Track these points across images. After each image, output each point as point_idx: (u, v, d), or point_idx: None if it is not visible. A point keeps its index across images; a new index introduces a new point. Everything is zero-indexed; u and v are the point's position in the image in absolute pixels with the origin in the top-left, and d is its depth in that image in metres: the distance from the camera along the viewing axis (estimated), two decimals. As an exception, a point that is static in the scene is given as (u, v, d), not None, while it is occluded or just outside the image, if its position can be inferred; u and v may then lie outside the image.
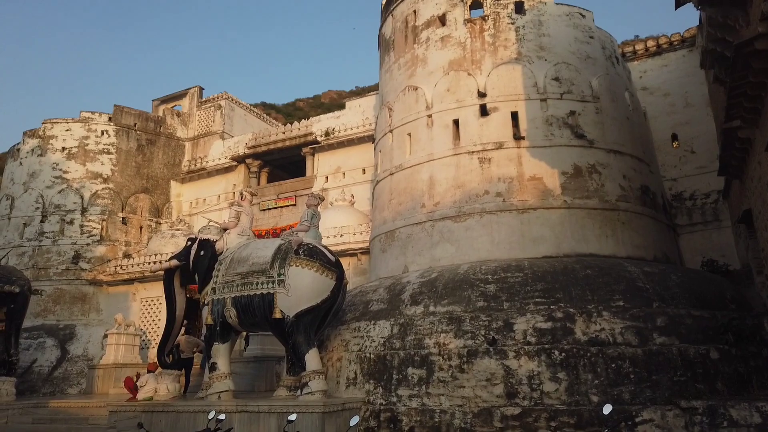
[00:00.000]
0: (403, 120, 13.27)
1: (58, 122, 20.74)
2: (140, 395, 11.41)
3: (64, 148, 20.45)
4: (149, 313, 18.65)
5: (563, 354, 8.53)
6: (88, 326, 18.67)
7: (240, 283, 10.36)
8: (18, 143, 20.97)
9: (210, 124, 23.42)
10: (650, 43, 15.81)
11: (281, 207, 20.21)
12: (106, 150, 20.81)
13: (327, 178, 19.61)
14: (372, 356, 9.96)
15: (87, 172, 20.35)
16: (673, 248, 12.63)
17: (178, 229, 19.99)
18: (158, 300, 18.59)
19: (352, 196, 17.90)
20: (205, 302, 10.92)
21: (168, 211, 22.02)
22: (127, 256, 19.93)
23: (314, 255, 10.22)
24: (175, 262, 11.71)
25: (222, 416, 7.65)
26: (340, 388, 10.16)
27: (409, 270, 11.93)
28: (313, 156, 20.08)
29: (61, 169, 20.19)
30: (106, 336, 16.94)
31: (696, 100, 14.79)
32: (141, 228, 21.02)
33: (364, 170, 18.90)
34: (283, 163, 21.50)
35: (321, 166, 19.83)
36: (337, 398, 9.65)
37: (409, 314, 10.15)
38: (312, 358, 9.72)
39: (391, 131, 13.65)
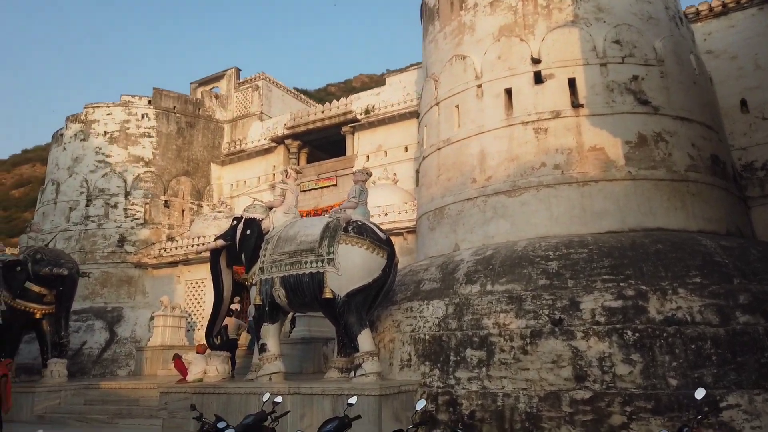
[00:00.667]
0: (450, 91, 12.66)
1: (99, 106, 20.80)
2: (190, 377, 11.29)
3: (105, 132, 20.51)
4: (194, 295, 18.66)
5: (637, 334, 7.92)
6: (134, 309, 18.82)
7: (288, 263, 10.05)
8: (61, 129, 21.16)
9: (248, 105, 23.19)
10: (715, 3, 14.70)
11: (321, 188, 19.88)
12: (146, 134, 20.80)
13: (368, 157, 19.15)
14: (427, 337, 9.53)
15: (129, 156, 20.40)
16: (745, 221, 11.77)
17: (220, 212, 19.88)
18: (202, 282, 18.59)
19: (395, 174, 17.39)
20: (253, 282, 10.66)
21: (209, 193, 21.96)
22: (170, 239, 19.96)
23: (364, 232, 9.82)
24: (221, 242, 11.48)
25: (278, 399, 7.34)
26: (393, 369, 9.78)
27: (461, 248, 11.41)
28: (353, 135, 19.62)
29: (103, 153, 20.28)
30: (152, 318, 17.01)
31: (767, 62, 13.70)
32: (183, 211, 21.02)
33: (406, 148, 18.36)
34: (323, 143, 21.12)
35: (361, 144, 19.37)
36: (392, 380, 9.28)
37: (465, 293, 9.66)
38: (365, 339, 9.36)
39: (437, 104, 13.06)
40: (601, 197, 10.43)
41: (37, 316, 14.36)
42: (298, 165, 20.98)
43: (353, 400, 6.50)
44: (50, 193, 20.35)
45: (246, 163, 22.04)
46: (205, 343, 11.80)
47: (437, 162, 12.83)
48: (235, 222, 11.56)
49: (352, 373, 9.25)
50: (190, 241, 18.95)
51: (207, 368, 11.22)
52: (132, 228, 19.72)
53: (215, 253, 11.63)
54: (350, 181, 19.99)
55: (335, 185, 19.84)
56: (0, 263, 15.67)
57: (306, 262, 9.83)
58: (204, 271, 18.26)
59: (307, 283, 9.76)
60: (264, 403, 7.79)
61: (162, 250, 19.45)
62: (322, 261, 9.65)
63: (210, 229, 19.14)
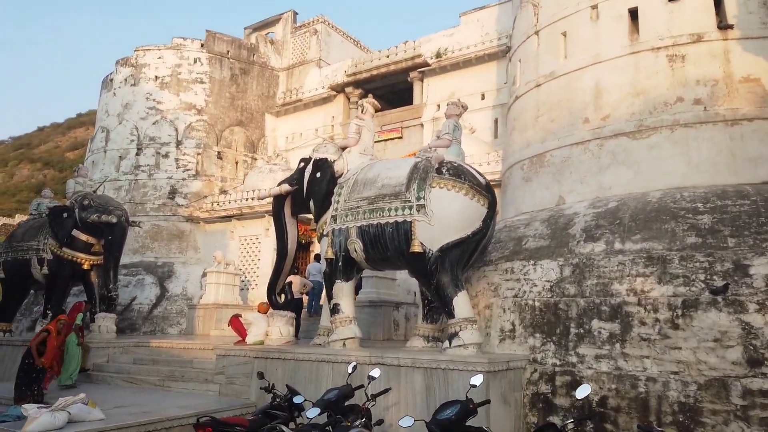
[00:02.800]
0: (555, 16, 10.61)
1: (150, 49, 19.52)
2: (249, 338, 9.97)
3: (156, 77, 19.26)
4: (248, 252, 17.45)
5: (837, 309, 6.00)
6: (186, 264, 17.77)
7: (367, 210, 8.45)
8: (111, 73, 20.03)
9: (305, 51, 21.52)
10: None
11: (385, 140, 18.16)
12: (199, 79, 19.44)
13: (438, 106, 17.25)
14: (536, 304, 7.81)
15: (181, 103, 19.12)
16: None
17: (275, 164, 18.48)
18: (257, 238, 17.33)
19: (470, 124, 15.48)
20: (323, 233, 9.13)
21: (263, 146, 20.58)
22: (223, 192, 18.74)
23: (462, 175, 8.10)
24: (286, 187, 9.98)
25: (375, 373, 5.82)
26: (491, 341, 8.15)
27: (566, 201, 9.55)
28: (422, 81, 17.74)
29: (154, 100, 19.07)
30: (205, 275, 15.88)
31: None
32: (236, 163, 19.73)
33: (483, 95, 16.38)
34: (386, 92, 19.31)
35: (431, 92, 17.48)
36: (497, 354, 7.64)
37: (585, 252, 7.86)
38: (462, 303, 7.73)
39: (536, 33, 11.04)
40: (756, 139, 8.35)
41: (85, 267, 13.33)
42: (359, 116, 19.26)
43: (477, 380, 4.88)
44: (99, 140, 19.35)
45: (302, 114, 20.48)
46: (266, 301, 10.44)
47: (536, 101, 10.89)
48: (302, 164, 10.02)
49: (446, 342, 7.66)
50: (244, 194, 17.65)
51: (269, 330, 9.86)
52: (183, 179, 18.55)
53: (279, 201, 10.16)
54: (417, 132, 18.24)
55: (400, 137, 18.09)
56: (45, 210, 14.76)
57: (389, 210, 8.22)
58: (259, 227, 17.00)
59: (391, 234, 8.16)
60: (349, 374, 6.30)
61: (215, 204, 18.25)
62: (410, 208, 8.00)
63: (265, 182, 17.73)
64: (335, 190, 9.21)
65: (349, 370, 6.18)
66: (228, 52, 20.27)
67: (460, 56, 16.77)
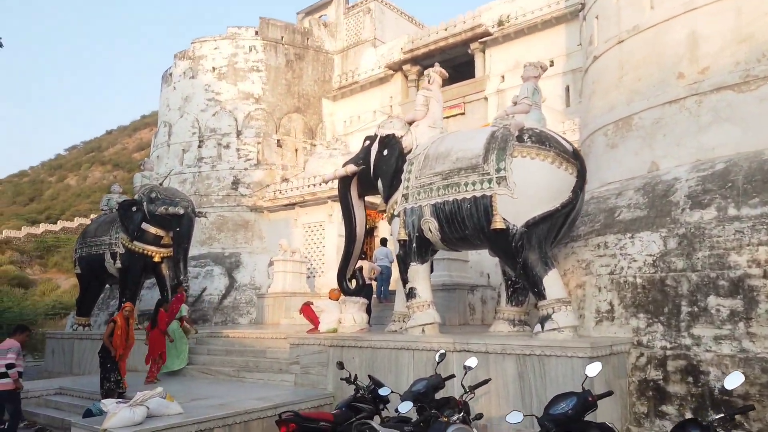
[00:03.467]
0: (638, -37, 9.56)
1: (206, 40, 19.51)
2: (322, 326, 9.62)
3: (214, 68, 19.23)
4: (312, 239, 17.23)
5: None
6: (252, 254, 17.75)
7: (441, 186, 7.86)
8: (170, 67, 20.18)
9: (359, 31, 20.97)
10: None
11: (447, 117, 17.37)
12: (255, 68, 19.28)
13: (503, 77, 16.36)
14: (638, 281, 7.01)
15: (238, 93, 19.03)
16: None
17: (335, 149, 18.11)
18: (320, 225, 17.06)
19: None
20: (395, 213, 8.61)
21: (322, 131, 20.27)
22: (284, 180, 18.57)
23: (546, 141, 7.36)
24: (351, 167, 9.51)
25: (472, 362, 5.26)
26: (585, 323, 7.41)
27: (661, 166, 8.59)
28: (484, 52, 16.86)
29: (213, 91, 19.06)
30: (271, 264, 15.73)
31: None
32: (296, 150, 19.52)
33: (551, 62, 15.33)
34: (446, 67, 18.15)
35: (494, 63, 16.58)
36: (596, 338, 6.92)
37: (692, 221, 6.97)
38: (553, 283, 7.04)
39: (616, -15, 10.01)
40: None
41: (156, 259, 13.41)
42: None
43: (594, 369, 4.22)
44: (163, 135, 19.57)
45: (359, 97, 20.00)
46: (337, 287, 10.06)
47: (618, 60, 9.91)
48: (367, 142, 9.52)
49: (537, 326, 6.99)
50: (306, 181, 17.40)
51: (341, 317, 9.48)
52: (245, 169, 18.50)
53: (344, 183, 9.72)
54: (481, 107, 17.40)
55: (463, 113, 17.32)
56: (115, 205, 14.96)
57: (466, 184, 7.59)
58: (322, 213, 16.72)
59: (469, 211, 7.53)
60: (438, 363, 5.77)
61: (277, 192, 18.10)
62: (490, 181, 7.34)
63: (326, 167, 17.40)
64: (404, 167, 8.67)
65: (437, 358, 5.64)
66: (282, 38, 20.00)
67: (524, 22, 15.77)
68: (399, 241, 8.44)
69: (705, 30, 8.49)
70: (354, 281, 9.67)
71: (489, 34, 16.44)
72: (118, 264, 13.33)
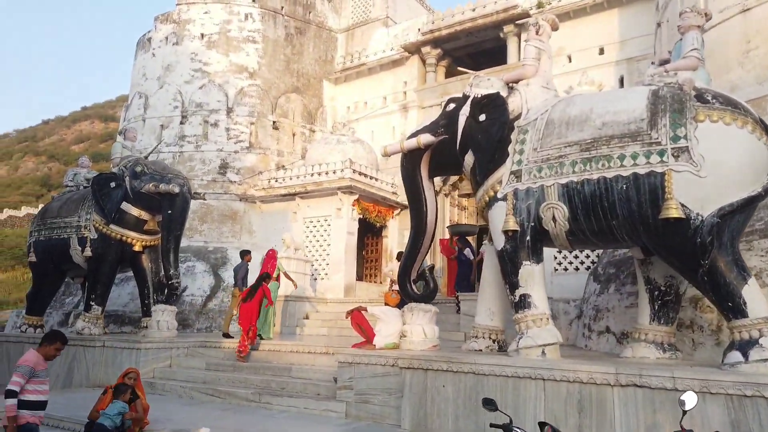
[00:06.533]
0: None
1: (195, 3, 16.93)
2: (379, 340, 7.41)
3: (203, 35, 16.68)
4: (315, 235, 14.90)
5: None
6: (240, 250, 15.19)
7: (579, 160, 5.89)
8: (149, 31, 17.45)
9: (368, 9, 18.90)
10: None
11: (471, 107, 15.51)
12: (251, 38, 16.86)
13: (541, 64, 14.61)
14: None
15: (230, 65, 16.55)
16: None
17: (343, 134, 15.90)
18: (326, 220, 14.78)
19: (592, 79, 12.83)
20: (497, 196, 6.58)
21: (322, 116, 18.00)
22: (280, 167, 16.17)
23: (737, 104, 5.55)
24: (426, 137, 7.39)
25: (690, 399, 3.33)
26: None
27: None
28: (519, 37, 15.11)
29: (200, 61, 16.49)
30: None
31: None
32: (293, 135, 17.16)
33: (601, 50, 13.78)
34: (472, 51, 16.73)
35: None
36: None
37: None
38: (755, 296, 5.22)
39: (740, -57, 8.43)
40: None
41: (136, 248, 10.82)
42: (436, 81, 16.69)
43: None
44: (137, 107, 16.78)
45: (367, 81, 17.87)
46: (396, 291, 7.92)
47: (742, 31, 8.32)
48: (452, 105, 7.43)
49: (734, 354, 5.09)
50: (309, 169, 15.10)
51: (406, 329, 7.30)
52: (235, 152, 15.99)
53: (413, 159, 7.58)
54: (512, 97, 15.62)
55: (491, 104, 15.43)
56: (83, 181, 12.28)
57: (621, 157, 5.65)
58: (329, 206, 14.50)
59: (623, 193, 5.59)
60: (684, 413, 3.73)
61: (272, 180, 15.70)
62: (661, 153, 5.43)
63: (333, 154, 15.22)
64: (513, 136, 6.66)
65: (685, 404, 3.58)
66: (282, 8, 17.66)
67: (569, 4, 14.13)
68: (505, 233, 6.39)
69: None
70: (427, 283, 7.52)
71: (526, 16, 14.71)
72: (88, 252, 10.62)
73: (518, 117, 6.77)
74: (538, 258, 6.38)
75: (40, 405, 4.82)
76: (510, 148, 6.60)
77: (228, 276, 14.53)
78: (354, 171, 14.50)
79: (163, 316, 10.35)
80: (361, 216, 14.84)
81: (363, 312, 7.75)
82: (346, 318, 7.88)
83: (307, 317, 12.63)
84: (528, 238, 6.30)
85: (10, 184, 68.27)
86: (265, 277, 10.11)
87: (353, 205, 14.56)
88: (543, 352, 6.02)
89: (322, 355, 8.55)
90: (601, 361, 5.87)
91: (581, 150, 5.93)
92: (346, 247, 14.31)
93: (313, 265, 14.18)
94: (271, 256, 11.31)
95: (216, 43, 16.65)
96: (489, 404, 4.33)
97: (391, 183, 15.70)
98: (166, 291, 10.49)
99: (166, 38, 16.87)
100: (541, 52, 7.08)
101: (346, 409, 6.93)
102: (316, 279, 14.20)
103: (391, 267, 11.13)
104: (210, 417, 7.01)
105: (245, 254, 11.47)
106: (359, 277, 15.06)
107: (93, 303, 10.60)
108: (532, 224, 6.27)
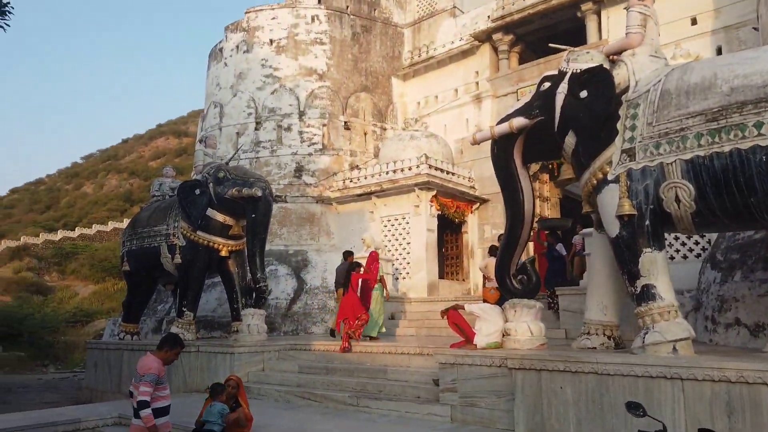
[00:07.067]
0: None
1: (262, 9, 17.12)
2: (480, 339, 7.00)
3: (271, 41, 16.82)
4: (393, 234, 14.66)
5: None
6: (320, 252, 15.20)
7: (705, 131, 5.26)
8: (220, 42, 17.80)
9: (434, 0, 18.49)
10: None
11: (548, 93, 14.78)
12: (318, 40, 16.84)
13: (624, 42, 13.70)
14: None
15: (300, 68, 16.59)
16: None
17: (416, 130, 15.59)
18: (404, 218, 14.50)
19: (688, 51, 11.87)
20: (608, 178, 6.02)
21: (392, 114, 17.76)
22: (353, 167, 16.05)
23: None
24: (520, 120, 6.93)
25: None
26: None
27: None
28: (599, 15, 14.29)
29: (271, 66, 16.63)
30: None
31: None
32: (365, 134, 17.00)
33: (693, 20, 12.77)
34: (546, 35, 15.88)
35: (612, 26, 13.96)
36: None
37: None
38: None
39: None
40: None
41: (223, 253, 10.90)
42: (510, 68, 16.04)
43: None
44: (213, 117, 17.13)
45: (436, 74, 17.47)
46: (495, 286, 7.49)
47: None
48: (547, 83, 6.93)
49: None
50: (384, 167, 14.88)
51: (509, 326, 6.85)
52: (309, 155, 16.00)
53: (506, 145, 7.12)
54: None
55: (570, 87, 14.64)
56: (168, 190, 12.57)
57: (759, 125, 4.98)
58: (406, 203, 14.21)
59: (764, 165, 4.93)
60: None
61: (347, 181, 15.60)
62: (815, 117, 4.72)
63: (407, 151, 14.94)
64: (621, 111, 6.10)
65: None
66: (347, 7, 17.58)
67: (654, -26, 13.15)
68: (620, 217, 5.84)
69: None
70: (526, 278, 7.04)
71: (607, -9, 13.87)
72: (178, 259, 10.82)
73: (625, 90, 6.19)
74: (660, 244, 5.79)
75: (166, 411, 4.86)
76: (619, 125, 6.04)
77: (310, 278, 14.56)
78: (430, 166, 14.15)
79: (254, 319, 10.36)
80: (440, 212, 14.45)
81: (460, 311, 7.37)
82: (442, 317, 7.53)
83: (392, 317, 12.39)
84: (647, 222, 5.72)
85: (96, 201, 72.78)
86: (354, 266, 10.27)
87: (431, 202, 14.19)
88: (674, 348, 5.43)
89: (417, 356, 8.24)
90: (747, 358, 5.21)
91: (707, 120, 5.31)
92: (427, 245, 13.96)
93: (393, 264, 13.92)
94: (374, 258, 10.97)
95: (285, 48, 16.75)
96: (635, 408, 3.88)
97: (468, 177, 15.23)
98: (254, 295, 10.47)
99: (237, 47, 17.13)
100: (646, 18, 6.45)
101: (451, 412, 6.58)
102: (397, 278, 13.94)
103: (486, 261, 10.65)
104: (310, 422, 6.85)
105: (348, 255, 11.47)
106: (441, 275, 14.65)
107: (185, 309, 10.76)
108: (651, 206, 5.70)
